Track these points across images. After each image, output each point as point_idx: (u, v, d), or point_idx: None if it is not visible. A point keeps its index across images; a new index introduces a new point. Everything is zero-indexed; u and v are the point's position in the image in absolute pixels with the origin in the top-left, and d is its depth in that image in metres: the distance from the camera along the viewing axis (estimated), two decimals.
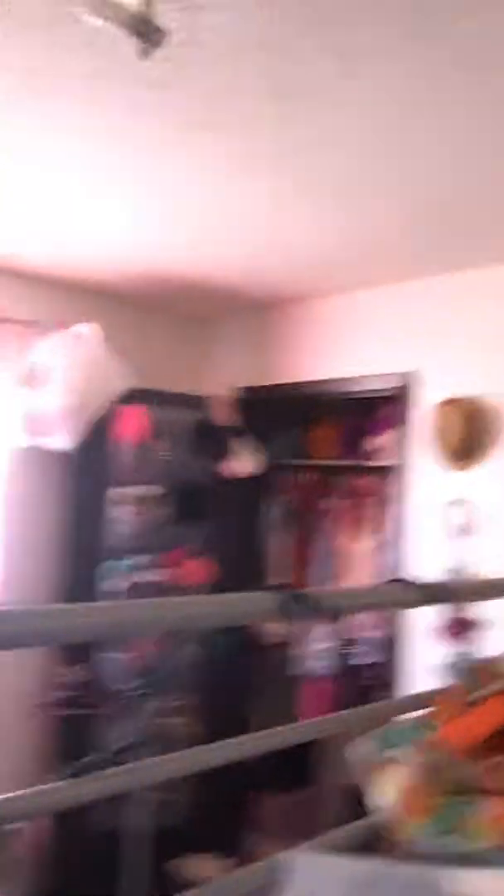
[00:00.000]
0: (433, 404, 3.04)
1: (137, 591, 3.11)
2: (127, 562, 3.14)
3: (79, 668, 2.96)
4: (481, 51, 1.61)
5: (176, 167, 2.27)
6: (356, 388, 3.41)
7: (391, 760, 0.88)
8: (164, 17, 1.60)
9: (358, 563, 3.45)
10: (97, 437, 3.13)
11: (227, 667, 3.39)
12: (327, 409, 3.95)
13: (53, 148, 2.17)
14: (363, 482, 3.74)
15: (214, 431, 3.38)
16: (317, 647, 3.53)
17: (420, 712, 0.99)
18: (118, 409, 3.15)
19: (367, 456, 3.67)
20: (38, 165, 2.30)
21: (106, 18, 1.56)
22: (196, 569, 3.21)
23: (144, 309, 3.78)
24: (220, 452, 3.37)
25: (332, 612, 0.99)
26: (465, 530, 2.91)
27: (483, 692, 0.95)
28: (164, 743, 3.24)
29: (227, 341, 3.99)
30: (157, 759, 1.06)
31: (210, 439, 3.35)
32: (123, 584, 3.10)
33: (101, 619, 0.82)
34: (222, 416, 3.49)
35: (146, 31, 1.58)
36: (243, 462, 3.43)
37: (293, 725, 1.20)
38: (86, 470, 3.17)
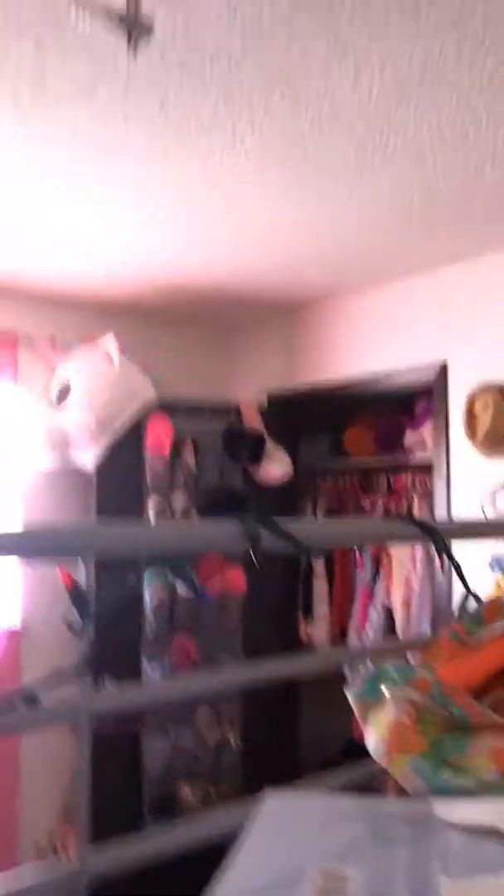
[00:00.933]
0: (467, 392, 2.96)
1: (177, 601, 3.09)
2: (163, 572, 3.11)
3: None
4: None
5: (185, 172, 2.26)
6: (388, 382, 3.34)
7: (385, 699, 0.83)
8: (152, 12, 1.62)
9: (403, 561, 3.36)
10: (125, 452, 3.13)
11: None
12: (362, 407, 3.89)
13: (57, 160, 2.20)
14: (404, 479, 3.66)
15: (244, 438, 3.35)
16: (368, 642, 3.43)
17: (418, 654, 0.94)
18: (145, 421, 3.16)
19: (407, 452, 3.59)
20: (42, 179, 2.31)
21: (92, 15, 1.59)
22: (235, 577, 3.17)
23: (168, 322, 3.80)
24: (251, 459, 3.34)
25: (313, 546, 0.94)
26: None
27: (482, 634, 0.89)
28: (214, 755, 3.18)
29: (253, 347, 3.99)
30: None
31: (240, 446, 3.32)
32: (163, 595, 3.08)
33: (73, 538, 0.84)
34: (251, 422, 3.46)
35: (132, 25, 1.60)
36: (275, 467, 3.39)
37: (305, 655, 1.17)
38: (115, 484, 3.16)
